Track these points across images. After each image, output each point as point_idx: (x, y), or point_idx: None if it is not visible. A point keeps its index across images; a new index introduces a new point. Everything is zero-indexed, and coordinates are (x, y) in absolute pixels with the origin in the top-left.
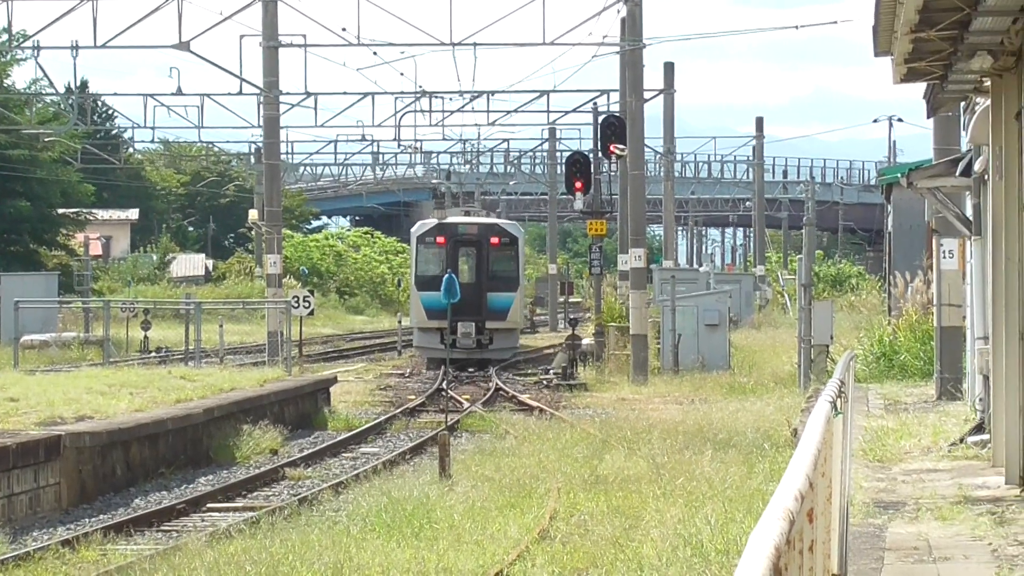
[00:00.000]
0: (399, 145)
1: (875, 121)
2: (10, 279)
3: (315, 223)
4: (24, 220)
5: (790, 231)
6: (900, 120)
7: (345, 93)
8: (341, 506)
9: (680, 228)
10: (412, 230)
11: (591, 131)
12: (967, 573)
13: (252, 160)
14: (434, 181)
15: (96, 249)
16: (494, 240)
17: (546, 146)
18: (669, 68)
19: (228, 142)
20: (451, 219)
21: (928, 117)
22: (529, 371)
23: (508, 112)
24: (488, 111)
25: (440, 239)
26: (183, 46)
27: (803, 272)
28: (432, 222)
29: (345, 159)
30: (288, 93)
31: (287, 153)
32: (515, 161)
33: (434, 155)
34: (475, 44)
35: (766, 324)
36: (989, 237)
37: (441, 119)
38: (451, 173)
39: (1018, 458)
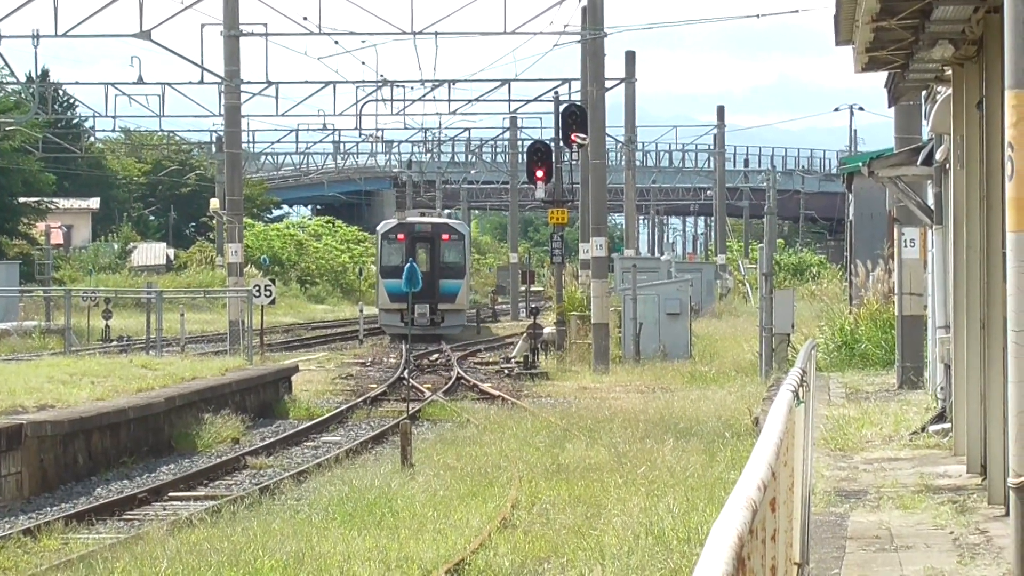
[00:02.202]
0: (360, 134)
1: (836, 110)
2: None
3: (276, 212)
4: None
5: (751, 220)
6: (861, 109)
7: (306, 82)
8: (303, 495)
9: (641, 217)
10: (377, 228)
11: (552, 120)
12: (928, 562)
13: (213, 149)
14: (395, 170)
15: (57, 238)
16: (445, 236)
17: (507, 135)
18: (630, 57)
19: (189, 131)
20: (409, 219)
21: (889, 106)
22: (490, 360)
23: (469, 101)
24: (449, 100)
25: (400, 236)
26: (144, 35)
27: (764, 261)
28: (393, 222)
29: (306, 148)
30: (249, 82)
31: (248, 142)
32: (476, 150)
33: (395, 144)
34: (436, 33)
35: (727, 313)
36: (950, 226)
37: (402, 108)
38: (412, 162)
39: (979, 447)
